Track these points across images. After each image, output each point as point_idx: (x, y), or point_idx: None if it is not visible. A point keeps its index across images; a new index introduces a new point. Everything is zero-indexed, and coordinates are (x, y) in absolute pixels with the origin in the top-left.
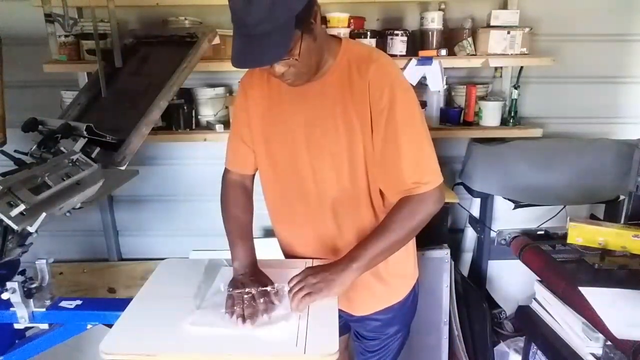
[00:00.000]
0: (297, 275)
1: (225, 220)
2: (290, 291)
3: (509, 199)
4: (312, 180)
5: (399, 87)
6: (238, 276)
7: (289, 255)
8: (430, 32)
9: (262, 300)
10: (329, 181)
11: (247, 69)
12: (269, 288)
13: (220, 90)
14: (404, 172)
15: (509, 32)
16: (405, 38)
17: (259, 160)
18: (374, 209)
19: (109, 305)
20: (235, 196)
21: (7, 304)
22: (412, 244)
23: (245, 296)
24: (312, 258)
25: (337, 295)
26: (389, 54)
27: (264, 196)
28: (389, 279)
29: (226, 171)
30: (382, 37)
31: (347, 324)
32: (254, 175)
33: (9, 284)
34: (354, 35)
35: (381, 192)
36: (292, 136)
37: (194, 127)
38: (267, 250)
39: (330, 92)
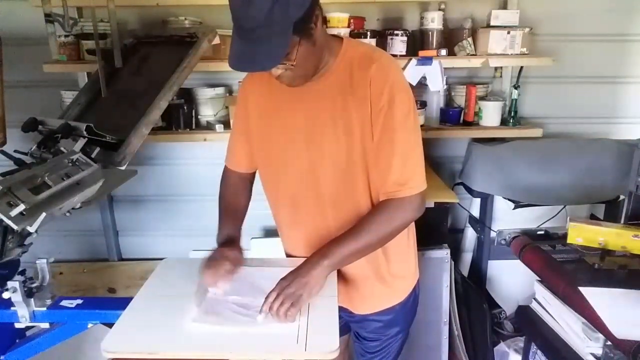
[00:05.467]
0: (273, 290)
1: (220, 204)
2: (271, 308)
3: (509, 199)
4: (312, 179)
5: (398, 88)
6: (215, 248)
7: (291, 254)
8: (430, 32)
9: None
10: (329, 179)
11: (248, 73)
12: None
13: (220, 90)
14: (391, 174)
15: (509, 32)
16: (405, 38)
17: (258, 160)
18: (374, 205)
19: (109, 304)
20: (234, 184)
21: (8, 304)
22: (413, 244)
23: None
24: None
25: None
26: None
27: (266, 195)
28: (390, 280)
29: (226, 169)
30: (382, 37)
31: (347, 325)
32: (254, 174)
33: (9, 283)
34: (354, 35)
35: None
36: (291, 135)
37: (194, 127)
38: (267, 250)
39: (330, 91)
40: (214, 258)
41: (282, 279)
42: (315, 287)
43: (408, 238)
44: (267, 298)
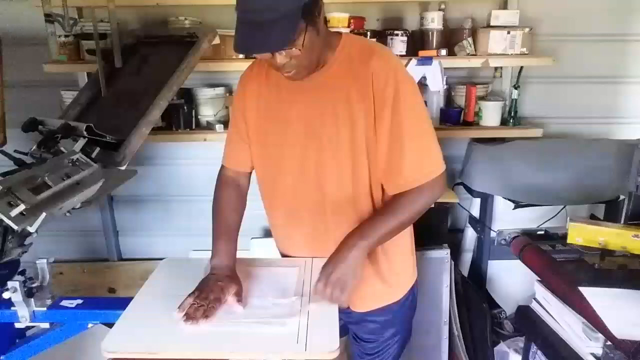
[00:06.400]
0: (319, 280)
1: (214, 217)
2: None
3: (509, 199)
4: (312, 176)
5: (402, 78)
6: (211, 275)
7: (285, 255)
8: (430, 32)
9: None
10: (328, 176)
11: (247, 68)
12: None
13: (220, 90)
14: (406, 168)
15: (509, 32)
16: (405, 38)
17: (255, 157)
18: (374, 203)
19: (109, 304)
20: (228, 194)
21: (8, 304)
22: (410, 242)
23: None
24: (311, 257)
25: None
26: None
27: (261, 194)
28: (388, 276)
29: (222, 168)
30: (382, 37)
31: (345, 326)
32: (250, 173)
33: (10, 283)
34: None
35: (382, 186)
36: (290, 131)
37: (193, 127)
38: (267, 250)
39: (330, 85)
40: (210, 288)
41: (323, 267)
42: (357, 269)
43: (406, 235)
44: (316, 285)
